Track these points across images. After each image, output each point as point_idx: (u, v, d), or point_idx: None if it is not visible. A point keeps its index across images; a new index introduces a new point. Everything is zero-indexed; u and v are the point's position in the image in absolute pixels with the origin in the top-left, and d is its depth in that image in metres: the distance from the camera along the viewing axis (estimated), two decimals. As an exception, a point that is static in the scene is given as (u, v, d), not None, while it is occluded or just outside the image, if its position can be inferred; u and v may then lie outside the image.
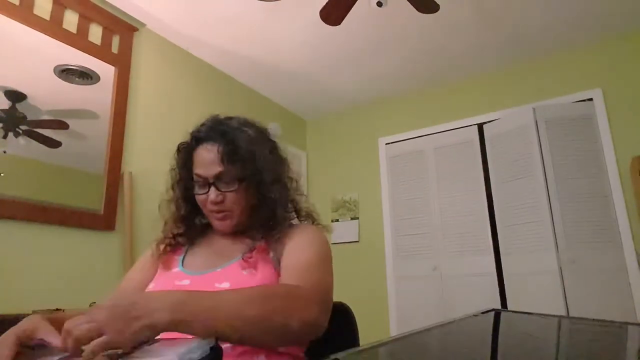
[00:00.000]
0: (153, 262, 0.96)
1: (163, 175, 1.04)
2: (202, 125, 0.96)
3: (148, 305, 0.58)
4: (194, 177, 0.92)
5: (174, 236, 0.97)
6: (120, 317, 0.55)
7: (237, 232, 0.95)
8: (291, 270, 0.81)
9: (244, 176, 0.90)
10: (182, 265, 0.92)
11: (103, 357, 0.57)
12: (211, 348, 0.57)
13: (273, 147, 0.98)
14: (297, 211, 0.99)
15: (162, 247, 0.96)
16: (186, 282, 0.86)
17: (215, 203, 0.89)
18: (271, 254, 0.88)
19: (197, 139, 0.93)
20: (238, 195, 0.90)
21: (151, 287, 0.89)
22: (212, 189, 0.89)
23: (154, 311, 0.57)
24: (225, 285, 0.82)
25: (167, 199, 0.99)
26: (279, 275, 0.84)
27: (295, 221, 0.99)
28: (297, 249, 0.86)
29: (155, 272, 0.95)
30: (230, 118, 0.97)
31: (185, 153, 0.96)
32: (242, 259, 0.86)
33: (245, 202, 0.91)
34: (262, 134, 0.96)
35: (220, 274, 0.85)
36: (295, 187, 0.99)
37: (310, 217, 0.99)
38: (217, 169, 0.88)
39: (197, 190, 0.92)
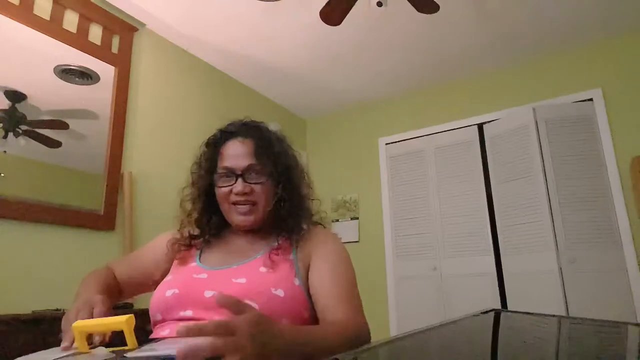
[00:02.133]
0: (167, 258, 0.99)
1: (163, 176, 1.05)
2: (230, 124, 0.99)
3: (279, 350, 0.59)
4: (220, 171, 0.93)
5: (189, 237, 0.98)
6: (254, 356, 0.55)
7: (254, 232, 0.96)
8: (330, 299, 0.84)
9: (273, 171, 0.92)
10: (200, 260, 0.94)
11: (110, 353, 0.58)
12: None
13: (295, 152, 1.02)
14: (309, 216, 1.01)
15: (176, 246, 0.97)
16: (203, 275, 0.87)
17: (242, 194, 0.90)
18: (291, 256, 0.90)
19: (228, 133, 0.96)
20: (265, 189, 0.92)
21: (169, 279, 0.91)
22: (240, 180, 0.90)
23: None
24: (242, 280, 0.83)
25: (186, 195, 1.00)
26: (295, 275, 0.87)
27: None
28: (328, 268, 0.88)
29: (169, 267, 0.98)
30: (255, 122, 1.01)
31: (213, 148, 0.97)
32: (269, 256, 0.88)
33: (271, 197, 0.93)
34: (285, 139, 1.01)
35: (236, 271, 0.87)
36: (310, 193, 1.02)
37: (320, 222, 1.02)
38: (248, 161, 0.91)
39: (221, 183, 0.93)
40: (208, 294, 0.82)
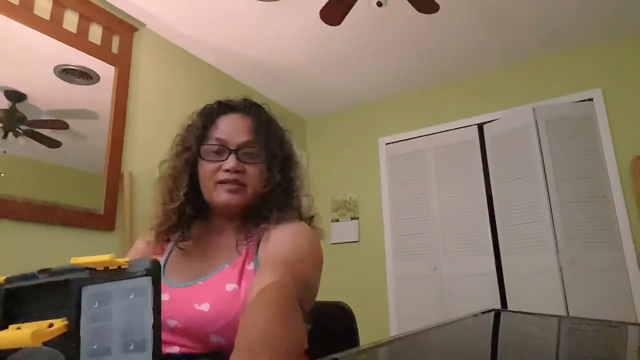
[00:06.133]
0: None
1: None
2: (229, 100, 0.93)
3: None
4: (210, 142, 0.83)
5: (162, 231, 0.87)
6: None
7: (230, 221, 0.86)
8: (266, 265, 0.68)
9: (270, 154, 0.85)
10: (163, 272, 0.83)
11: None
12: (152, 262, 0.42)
13: (292, 142, 0.98)
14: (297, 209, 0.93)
15: (154, 245, 0.86)
16: (165, 297, 0.75)
17: (234, 172, 0.81)
18: (252, 264, 0.80)
19: (227, 106, 0.89)
20: (258, 172, 0.84)
21: None
22: (232, 156, 0.81)
23: None
24: (204, 308, 0.73)
25: (167, 170, 0.88)
26: None
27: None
28: (277, 242, 0.77)
29: None
30: (256, 102, 0.97)
31: (207, 118, 0.87)
32: (228, 270, 0.78)
33: (264, 181, 0.84)
34: (284, 127, 0.97)
35: (201, 290, 0.77)
36: (304, 187, 0.96)
37: (302, 215, 0.92)
38: (246, 137, 0.83)
39: (209, 157, 0.83)
40: (171, 323, 0.73)
